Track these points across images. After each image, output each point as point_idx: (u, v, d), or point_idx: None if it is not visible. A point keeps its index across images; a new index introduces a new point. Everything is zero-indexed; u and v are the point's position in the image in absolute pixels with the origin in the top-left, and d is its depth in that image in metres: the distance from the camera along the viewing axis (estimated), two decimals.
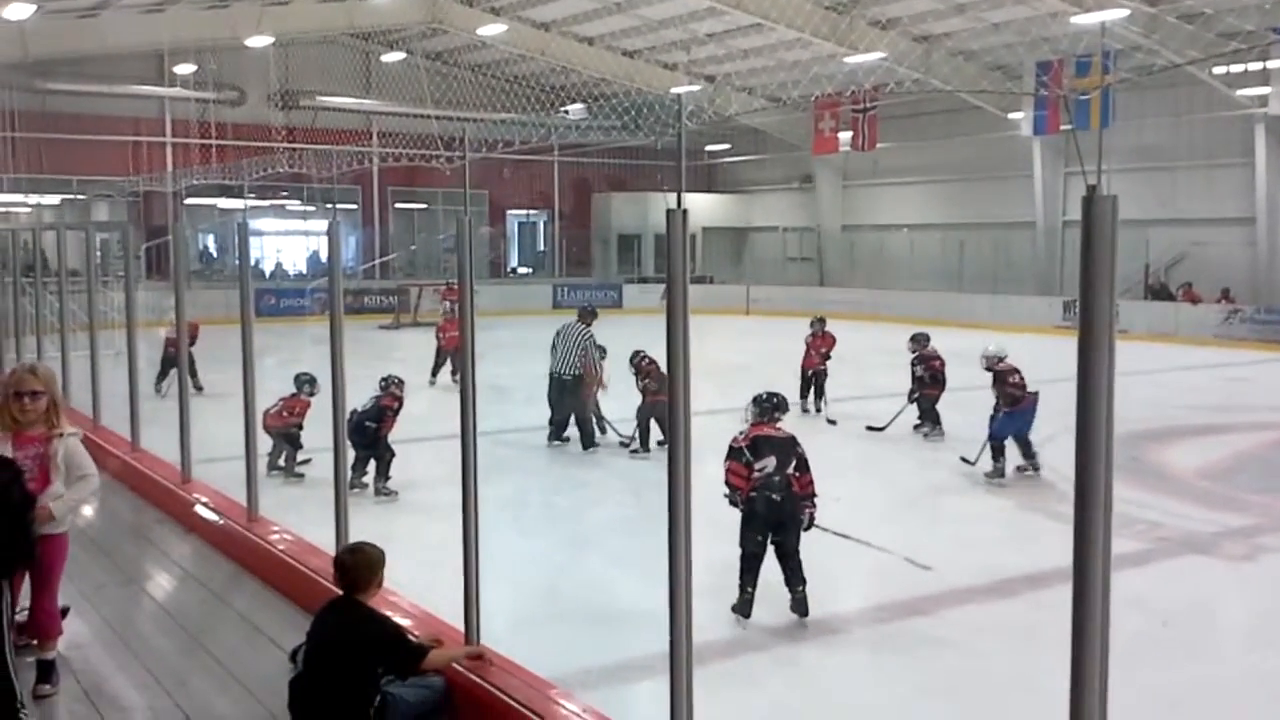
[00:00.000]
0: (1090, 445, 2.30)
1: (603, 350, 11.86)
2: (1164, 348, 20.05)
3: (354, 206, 32.99)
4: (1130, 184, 25.11)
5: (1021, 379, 10.22)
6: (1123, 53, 22.55)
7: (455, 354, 16.33)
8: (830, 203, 34.47)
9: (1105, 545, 2.33)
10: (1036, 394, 10.18)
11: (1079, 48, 22.15)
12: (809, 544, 6.74)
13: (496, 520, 8.24)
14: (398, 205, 34.07)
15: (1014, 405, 10.04)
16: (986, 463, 10.20)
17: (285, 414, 9.89)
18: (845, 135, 27.63)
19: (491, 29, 27.66)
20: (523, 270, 37.12)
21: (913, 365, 12.43)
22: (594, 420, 11.70)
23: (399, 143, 24.32)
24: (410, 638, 4.58)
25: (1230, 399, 15.85)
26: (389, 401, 9.61)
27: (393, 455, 9.46)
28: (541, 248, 37.79)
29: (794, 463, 6.57)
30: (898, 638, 6.43)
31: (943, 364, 12.33)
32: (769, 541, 6.50)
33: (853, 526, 7.95)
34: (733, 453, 6.68)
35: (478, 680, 4.43)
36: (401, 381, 10.01)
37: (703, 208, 35.73)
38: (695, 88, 30.34)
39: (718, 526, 6.34)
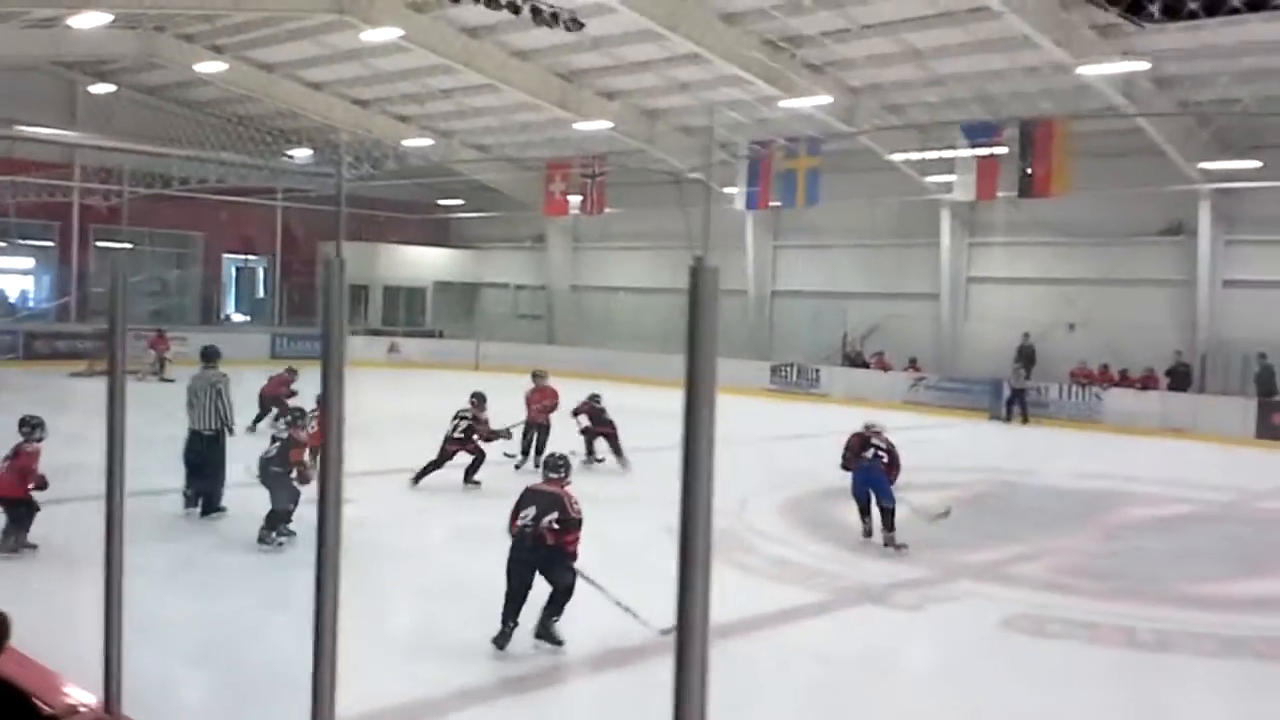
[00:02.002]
0: (695, 501, 2.37)
1: (300, 412, 10.53)
2: (858, 410, 21.38)
3: (50, 244, 30.52)
4: (833, 259, 27.05)
5: (854, 443, 10.86)
6: (825, 138, 24.29)
7: (270, 401, 15.23)
8: (561, 263, 35.04)
9: (706, 593, 2.41)
10: (874, 460, 10.67)
11: (789, 130, 23.71)
12: None
13: (163, 583, 7.72)
14: (100, 244, 31.70)
15: (845, 468, 10.86)
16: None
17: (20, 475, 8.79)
18: (575, 199, 28.26)
19: (209, 66, 26.59)
20: (238, 317, 35.39)
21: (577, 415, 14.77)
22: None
23: (102, 179, 22.81)
24: (39, 706, 4.18)
25: (913, 460, 17.03)
26: (295, 432, 9.53)
27: (297, 498, 9.19)
28: (261, 294, 36.23)
29: (555, 515, 6.94)
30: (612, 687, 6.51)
31: (591, 415, 14.70)
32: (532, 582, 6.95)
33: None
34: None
35: None
36: (300, 413, 9.94)
37: (434, 262, 35.36)
38: (428, 142, 30.21)
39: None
